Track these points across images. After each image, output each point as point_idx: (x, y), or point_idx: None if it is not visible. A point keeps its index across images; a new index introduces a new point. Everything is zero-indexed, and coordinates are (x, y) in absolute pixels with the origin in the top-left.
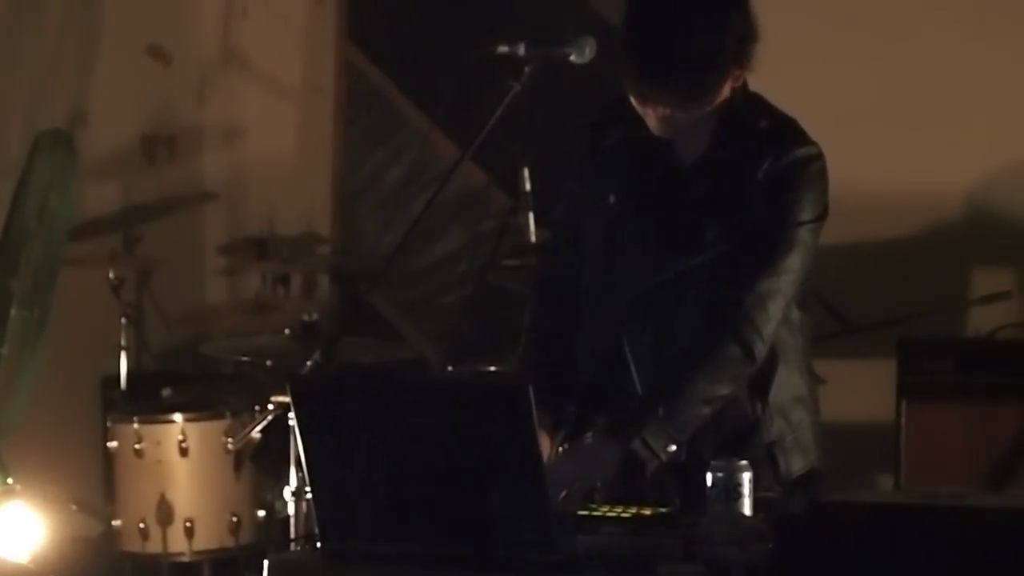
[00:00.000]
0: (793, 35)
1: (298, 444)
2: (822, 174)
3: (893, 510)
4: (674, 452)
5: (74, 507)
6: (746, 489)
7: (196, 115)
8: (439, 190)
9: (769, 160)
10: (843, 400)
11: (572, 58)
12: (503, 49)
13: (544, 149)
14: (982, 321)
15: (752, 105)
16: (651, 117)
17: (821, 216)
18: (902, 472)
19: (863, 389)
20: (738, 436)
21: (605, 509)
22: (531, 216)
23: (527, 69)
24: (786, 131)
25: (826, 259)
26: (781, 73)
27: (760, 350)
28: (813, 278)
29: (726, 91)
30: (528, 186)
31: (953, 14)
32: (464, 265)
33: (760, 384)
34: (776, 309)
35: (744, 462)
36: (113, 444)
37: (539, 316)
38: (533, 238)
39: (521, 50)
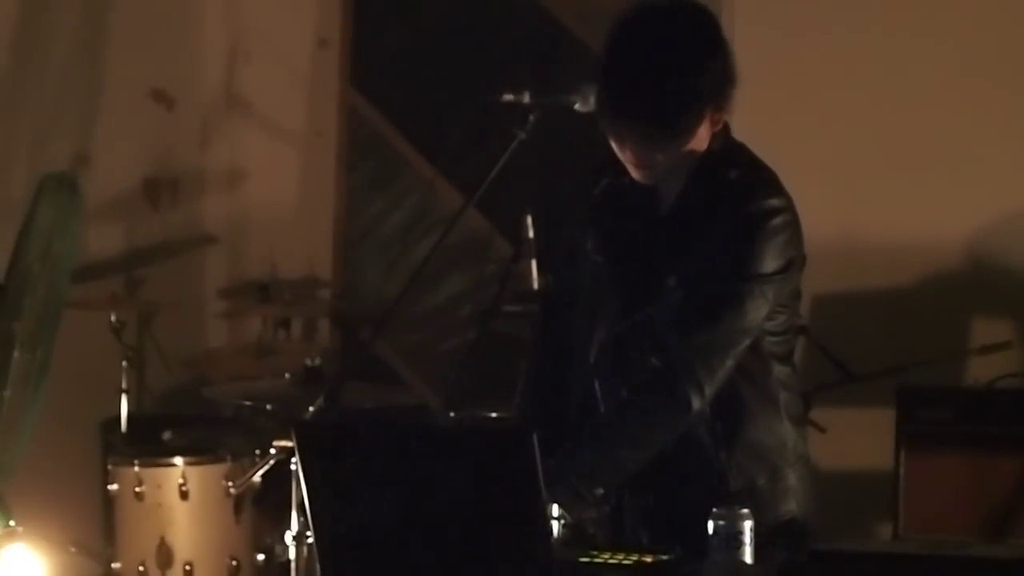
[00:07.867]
0: (795, 85)
1: (300, 489)
2: (785, 227)
3: (893, 560)
4: (603, 494)
5: (73, 549)
6: (747, 537)
7: (198, 159)
8: (443, 237)
9: (731, 210)
10: (842, 448)
11: (576, 106)
12: (508, 97)
13: (547, 197)
14: (981, 371)
15: (728, 154)
16: (629, 162)
17: (782, 270)
18: (901, 521)
19: (862, 438)
20: (705, 484)
21: (606, 556)
22: (533, 263)
23: (531, 117)
24: (754, 182)
25: (826, 308)
26: (783, 123)
27: (696, 400)
28: (817, 329)
29: (703, 134)
30: (531, 233)
31: (955, 66)
32: (466, 311)
33: (725, 434)
34: (719, 360)
35: (746, 510)
36: (113, 487)
37: (537, 364)
38: (535, 285)
39: (526, 98)
